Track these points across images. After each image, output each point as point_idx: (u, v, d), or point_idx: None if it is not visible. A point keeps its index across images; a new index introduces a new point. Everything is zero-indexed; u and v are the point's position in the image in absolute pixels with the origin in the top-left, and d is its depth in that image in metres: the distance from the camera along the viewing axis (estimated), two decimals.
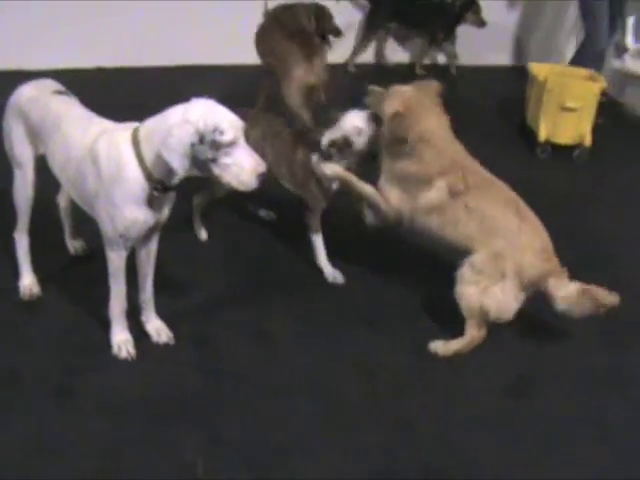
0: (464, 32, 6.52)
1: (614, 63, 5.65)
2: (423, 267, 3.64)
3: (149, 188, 2.73)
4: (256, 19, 5.04)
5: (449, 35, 6.51)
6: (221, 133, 2.59)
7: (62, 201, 3.56)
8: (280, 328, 3.33)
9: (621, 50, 5.61)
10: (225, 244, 3.92)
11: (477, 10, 6.35)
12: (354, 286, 3.61)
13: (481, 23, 6.36)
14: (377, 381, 3.07)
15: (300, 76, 4.65)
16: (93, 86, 4.90)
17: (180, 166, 2.62)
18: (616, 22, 5.43)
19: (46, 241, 3.55)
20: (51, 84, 3.22)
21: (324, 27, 5.45)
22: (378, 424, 2.87)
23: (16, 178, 3.25)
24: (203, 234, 3.96)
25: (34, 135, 3.12)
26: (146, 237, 2.96)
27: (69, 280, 3.52)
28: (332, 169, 3.39)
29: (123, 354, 3.06)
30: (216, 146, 2.60)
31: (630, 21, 5.54)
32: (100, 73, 6.06)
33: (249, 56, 4.97)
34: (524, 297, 3.13)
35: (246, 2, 5.60)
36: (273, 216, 4.13)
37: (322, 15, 5.40)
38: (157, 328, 3.18)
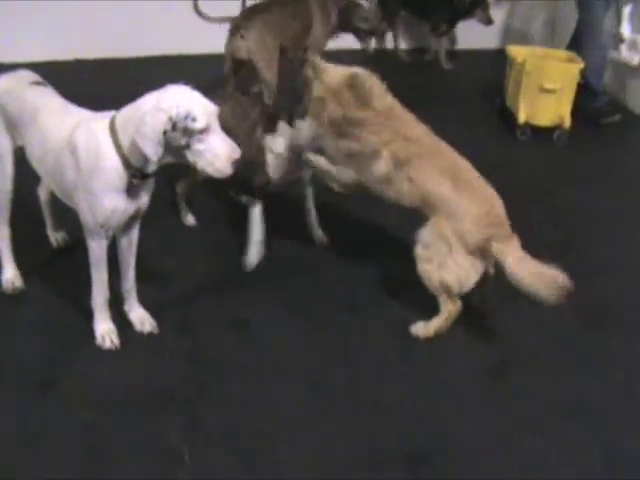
0: None
1: (610, 53, 5.57)
2: (405, 250, 3.65)
3: (127, 176, 2.73)
4: (235, 8, 5.03)
5: (452, 27, 6.51)
6: (193, 120, 2.58)
7: (42, 193, 3.55)
8: (263, 315, 3.33)
9: (617, 40, 5.52)
10: (208, 231, 3.92)
11: (486, 7, 6.33)
12: (336, 271, 3.62)
13: (488, 21, 6.35)
14: (360, 366, 3.08)
15: (227, 48, 4.62)
16: (72, 78, 4.89)
17: (154, 154, 2.61)
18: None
19: (27, 233, 3.54)
20: (28, 75, 3.20)
21: (355, 25, 5.38)
22: (362, 409, 2.88)
23: None
24: (190, 219, 3.97)
25: (12, 127, 3.10)
26: (127, 226, 2.95)
27: (51, 272, 3.51)
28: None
29: (107, 344, 3.06)
30: (189, 133, 2.60)
31: (626, 10, 5.46)
32: (79, 65, 6.03)
33: None
34: (482, 264, 3.13)
35: None
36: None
37: (352, 12, 5.35)
38: (140, 317, 3.17)
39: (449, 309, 3.18)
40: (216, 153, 2.65)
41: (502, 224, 3.13)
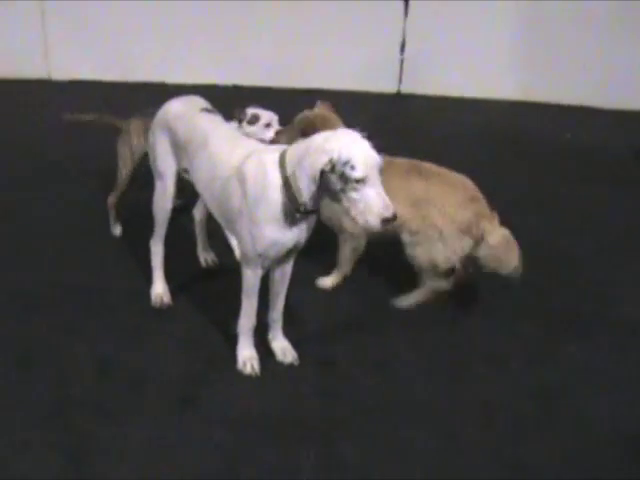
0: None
1: None
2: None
3: (292, 210, 2.78)
4: None
5: None
6: (352, 168, 2.60)
7: (198, 215, 3.68)
8: (404, 359, 3.31)
9: None
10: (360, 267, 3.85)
11: None
12: (476, 324, 3.56)
13: None
14: (497, 422, 3.01)
15: None
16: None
17: (305, 187, 2.68)
18: None
19: (179, 253, 3.67)
20: (199, 101, 3.31)
21: None
22: (492, 464, 2.82)
23: (156, 189, 3.36)
24: (117, 230, 4.13)
25: (178, 150, 3.21)
26: (283, 258, 3.00)
27: (198, 292, 3.62)
28: None
29: (248, 370, 3.12)
30: (344, 179, 2.62)
31: None
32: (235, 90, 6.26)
33: None
34: (470, 242, 3.38)
35: None
36: None
37: None
38: (283, 348, 3.22)
39: (433, 285, 3.49)
40: (369, 205, 2.64)
41: (481, 202, 3.42)
